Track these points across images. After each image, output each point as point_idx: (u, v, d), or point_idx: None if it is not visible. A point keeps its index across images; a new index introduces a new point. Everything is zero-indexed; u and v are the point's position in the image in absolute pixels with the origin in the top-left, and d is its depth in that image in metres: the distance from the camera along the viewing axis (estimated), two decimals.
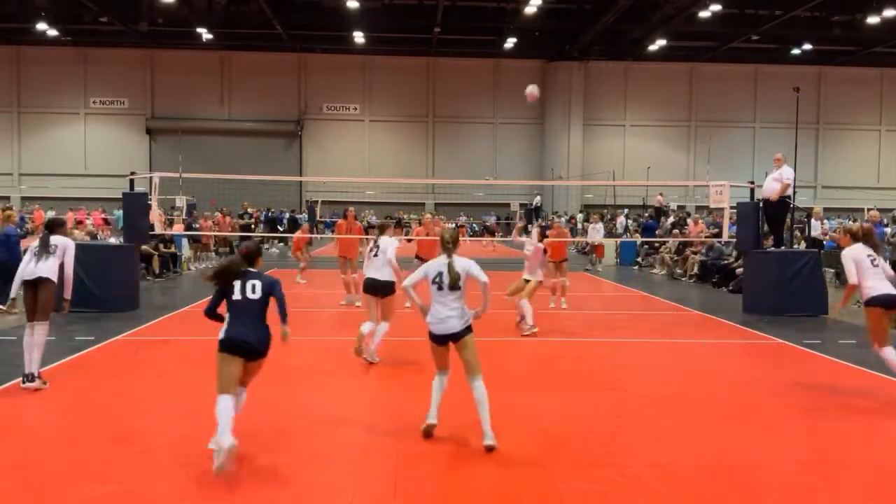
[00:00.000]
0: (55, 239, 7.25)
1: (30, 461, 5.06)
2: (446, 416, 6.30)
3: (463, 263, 5.63)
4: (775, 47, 37.29)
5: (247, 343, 5.14)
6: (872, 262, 7.09)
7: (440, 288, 5.57)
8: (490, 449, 5.33)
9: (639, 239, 23.72)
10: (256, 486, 4.65)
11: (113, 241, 15.51)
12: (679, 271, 18.97)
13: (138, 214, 12.61)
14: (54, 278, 7.09)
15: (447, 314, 5.53)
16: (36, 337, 6.93)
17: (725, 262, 16.81)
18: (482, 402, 5.50)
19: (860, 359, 8.73)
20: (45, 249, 7.11)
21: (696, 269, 17.92)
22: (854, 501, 4.68)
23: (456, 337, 5.56)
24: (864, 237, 7.30)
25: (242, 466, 4.97)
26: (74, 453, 5.24)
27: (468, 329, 5.57)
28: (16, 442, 5.47)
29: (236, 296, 5.25)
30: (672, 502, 4.53)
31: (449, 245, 5.68)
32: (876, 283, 7.00)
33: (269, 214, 33.02)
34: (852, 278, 7.14)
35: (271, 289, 5.31)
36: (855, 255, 7.16)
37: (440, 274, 5.58)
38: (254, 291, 5.25)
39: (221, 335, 5.24)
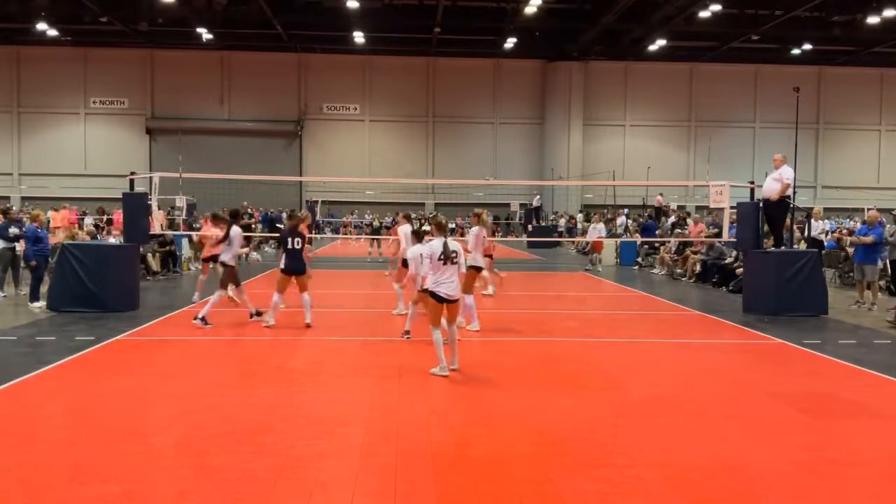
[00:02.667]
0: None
1: (30, 461, 5.06)
2: (445, 416, 6.30)
3: (454, 245, 7.79)
4: (775, 47, 37.30)
5: (294, 269, 10.45)
6: (483, 239, 10.65)
7: (444, 262, 7.60)
8: (454, 370, 7.67)
9: (639, 239, 23.71)
10: (256, 486, 4.65)
11: (112, 241, 15.49)
12: (679, 271, 18.97)
13: (138, 214, 12.61)
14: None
15: (447, 281, 7.62)
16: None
17: (725, 262, 16.81)
18: (454, 339, 7.88)
19: (860, 359, 8.74)
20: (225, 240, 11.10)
21: (696, 269, 17.92)
22: (854, 501, 4.68)
23: (452, 301, 7.69)
24: (483, 220, 10.86)
25: (242, 466, 4.97)
26: (74, 453, 5.24)
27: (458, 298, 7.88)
28: (16, 442, 5.46)
29: (289, 246, 10.42)
30: (672, 502, 4.53)
31: (444, 228, 8.00)
32: (478, 255, 10.41)
33: (269, 215, 33.03)
34: (471, 248, 10.24)
35: (302, 240, 10.56)
36: (478, 233, 10.51)
37: (442, 252, 7.60)
38: (297, 244, 10.43)
39: (281, 265, 10.53)
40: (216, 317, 11.89)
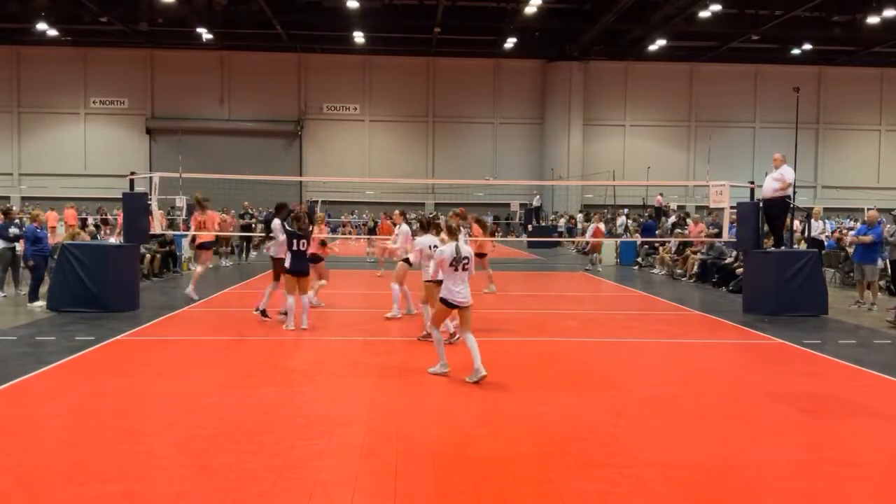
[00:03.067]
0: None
1: (30, 461, 5.06)
2: (445, 416, 6.30)
3: (467, 250, 7.63)
4: (775, 47, 37.30)
5: (299, 270, 10.28)
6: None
7: (456, 269, 7.45)
8: (483, 377, 7.22)
9: (639, 239, 23.71)
10: (256, 486, 4.65)
11: (112, 241, 15.49)
12: (679, 271, 18.97)
13: (138, 214, 12.61)
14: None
15: (461, 288, 7.45)
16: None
17: (725, 262, 16.80)
18: (475, 347, 7.37)
19: (860, 359, 8.75)
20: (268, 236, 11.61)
21: (696, 269, 17.92)
22: (854, 501, 4.68)
23: (464, 307, 7.51)
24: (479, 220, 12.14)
25: (242, 466, 4.97)
26: (74, 453, 5.24)
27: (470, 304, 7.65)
28: (16, 442, 5.46)
29: (294, 248, 10.21)
30: (672, 502, 4.53)
31: (456, 233, 7.81)
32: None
33: (268, 215, 33.00)
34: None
35: (308, 242, 10.44)
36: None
37: (454, 257, 7.43)
38: (303, 246, 10.28)
39: (288, 266, 10.21)
40: (218, 317, 11.90)
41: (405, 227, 11.82)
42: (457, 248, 7.47)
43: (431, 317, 7.87)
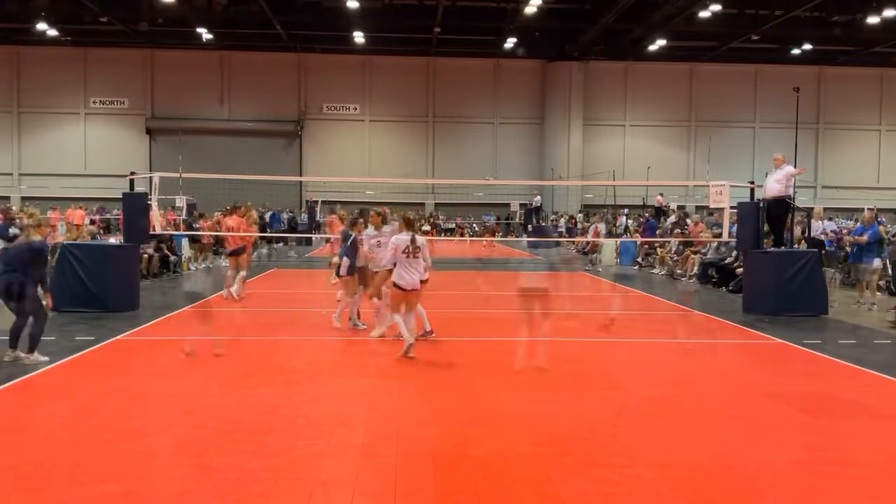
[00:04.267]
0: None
1: (30, 461, 5.06)
2: (445, 416, 6.30)
3: (421, 240, 8.47)
4: (775, 47, 37.29)
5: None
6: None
7: (408, 256, 8.21)
8: (428, 333, 9.05)
9: (639, 239, 23.70)
10: (256, 486, 4.65)
11: (113, 241, 15.49)
12: (679, 271, 18.97)
13: (138, 214, 12.61)
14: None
15: (411, 273, 8.23)
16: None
17: (725, 262, 16.80)
18: (422, 311, 8.92)
19: (860, 359, 8.74)
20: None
21: (696, 269, 17.92)
22: (854, 501, 4.68)
23: (410, 289, 8.27)
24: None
25: (242, 466, 4.97)
26: (74, 453, 5.24)
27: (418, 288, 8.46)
28: (16, 442, 5.46)
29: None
30: (672, 502, 4.53)
31: (413, 224, 8.63)
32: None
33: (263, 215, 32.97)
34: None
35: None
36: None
37: (407, 246, 8.22)
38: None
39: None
40: (218, 317, 11.89)
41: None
42: (412, 237, 8.32)
43: (390, 305, 8.60)
